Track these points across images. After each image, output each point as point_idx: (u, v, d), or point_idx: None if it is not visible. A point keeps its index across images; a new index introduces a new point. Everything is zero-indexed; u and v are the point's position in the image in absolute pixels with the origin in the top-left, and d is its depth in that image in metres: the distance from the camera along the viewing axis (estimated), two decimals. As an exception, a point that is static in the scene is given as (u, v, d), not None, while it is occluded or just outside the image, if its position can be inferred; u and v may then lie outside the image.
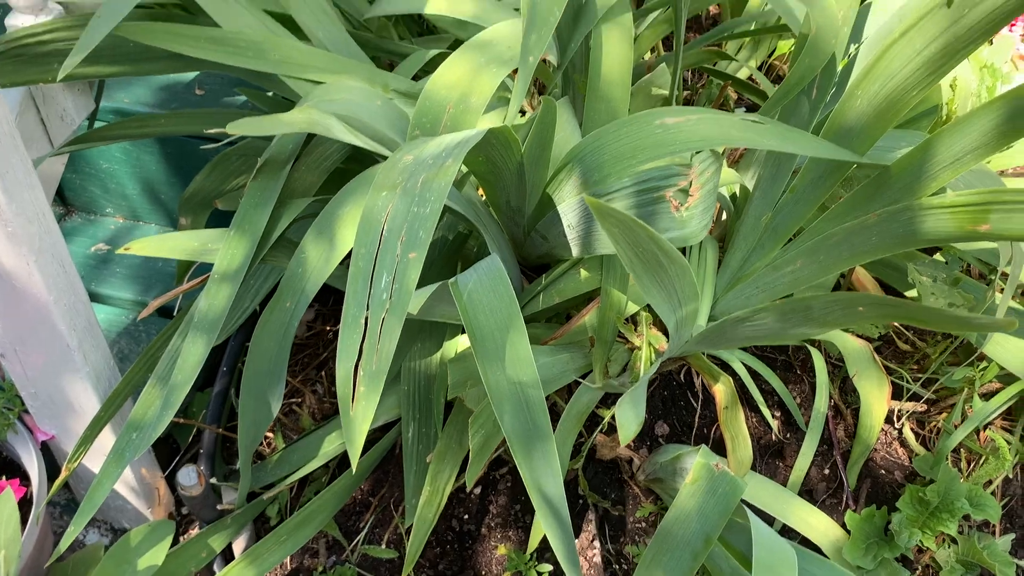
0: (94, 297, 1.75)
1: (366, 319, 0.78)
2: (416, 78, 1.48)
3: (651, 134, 1.08)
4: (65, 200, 1.91)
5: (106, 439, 1.36)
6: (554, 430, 1.31)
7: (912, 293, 1.43)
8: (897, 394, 1.53)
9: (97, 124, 1.74)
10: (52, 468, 1.43)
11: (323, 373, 1.64)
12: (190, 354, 1.14)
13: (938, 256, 1.33)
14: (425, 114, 1.17)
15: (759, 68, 1.98)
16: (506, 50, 1.22)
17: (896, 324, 1.59)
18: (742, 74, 1.83)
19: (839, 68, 1.17)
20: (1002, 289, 1.32)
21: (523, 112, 1.67)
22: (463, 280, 1.03)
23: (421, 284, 0.90)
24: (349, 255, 0.92)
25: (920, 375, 1.53)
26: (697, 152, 1.07)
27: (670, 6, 1.36)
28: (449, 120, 1.17)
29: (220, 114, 1.34)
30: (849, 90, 1.11)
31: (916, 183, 1.11)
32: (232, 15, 1.23)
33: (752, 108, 1.96)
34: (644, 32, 1.65)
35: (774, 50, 1.98)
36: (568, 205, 1.21)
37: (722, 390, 1.30)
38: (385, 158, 1.16)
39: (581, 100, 1.43)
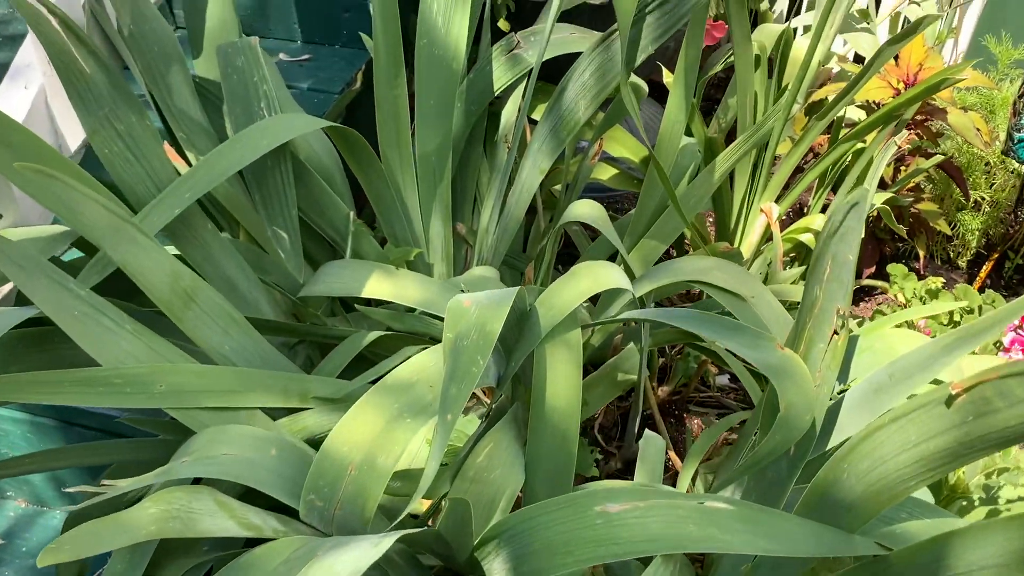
0: (-26, 612, 1.51)
1: None
2: (352, 366, 1.30)
3: (590, 525, 0.87)
4: (-36, 481, 1.70)
5: None
6: None
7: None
8: None
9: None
10: None
11: None
12: None
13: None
14: (322, 475, 0.98)
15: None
16: (427, 391, 1.03)
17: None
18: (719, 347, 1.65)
19: (820, 422, 0.98)
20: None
21: (477, 393, 1.48)
22: None
23: None
24: None
25: None
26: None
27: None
28: (350, 484, 0.97)
29: (94, 448, 1.15)
30: (835, 461, 0.92)
31: (924, 579, 0.90)
32: (108, 343, 1.05)
33: (736, 378, 1.77)
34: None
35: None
36: (499, 581, 1.00)
37: None
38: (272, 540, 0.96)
39: (527, 411, 1.24)
